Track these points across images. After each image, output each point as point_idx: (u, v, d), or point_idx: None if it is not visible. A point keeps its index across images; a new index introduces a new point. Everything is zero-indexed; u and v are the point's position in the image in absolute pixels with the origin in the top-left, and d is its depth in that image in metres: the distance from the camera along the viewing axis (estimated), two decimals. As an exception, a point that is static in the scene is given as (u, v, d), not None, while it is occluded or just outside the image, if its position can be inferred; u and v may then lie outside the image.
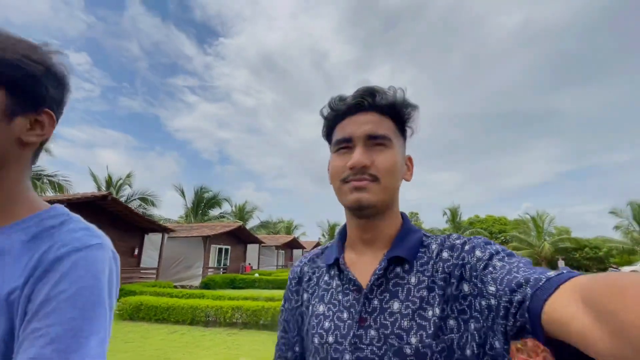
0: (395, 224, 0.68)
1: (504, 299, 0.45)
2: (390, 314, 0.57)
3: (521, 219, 35.87)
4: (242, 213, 34.14)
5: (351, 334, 0.59)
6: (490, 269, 0.51)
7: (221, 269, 19.50)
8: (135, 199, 20.87)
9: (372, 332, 0.57)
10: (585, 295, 0.34)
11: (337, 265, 0.68)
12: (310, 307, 0.69)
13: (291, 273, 0.80)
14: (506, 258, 0.51)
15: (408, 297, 0.58)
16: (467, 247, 0.58)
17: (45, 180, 14.64)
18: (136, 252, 13.95)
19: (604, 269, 29.63)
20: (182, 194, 28.19)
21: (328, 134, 0.71)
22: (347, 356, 0.57)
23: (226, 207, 32.66)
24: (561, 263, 27.86)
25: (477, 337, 0.51)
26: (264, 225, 38.38)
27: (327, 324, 0.63)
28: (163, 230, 14.21)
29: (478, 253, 0.55)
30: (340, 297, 0.64)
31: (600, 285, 0.33)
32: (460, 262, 0.57)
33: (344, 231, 0.74)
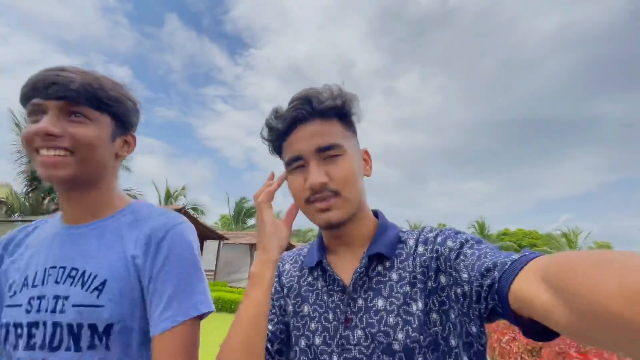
0: (369, 223, 0.68)
1: (475, 284, 0.47)
2: (375, 312, 0.58)
3: (552, 234, 35.50)
4: (276, 222, 36.72)
5: (338, 335, 0.59)
6: (462, 257, 0.53)
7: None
8: (189, 209, 23.88)
9: (359, 332, 0.57)
10: (545, 274, 0.37)
11: (320, 267, 0.68)
12: (291, 307, 0.69)
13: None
14: (475, 245, 0.54)
15: (391, 293, 0.58)
16: (439, 239, 0.59)
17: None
18: (197, 255, 16.60)
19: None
20: (227, 203, 31.21)
21: (276, 151, 0.70)
22: (335, 358, 0.58)
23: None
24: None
25: (457, 325, 0.54)
26: (295, 234, 40.69)
27: (313, 325, 0.63)
28: (219, 237, 16.75)
29: (449, 243, 0.57)
30: (325, 297, 0.65)
31: (556, 264, 0.36)
32: (434, 255, 0.58)
33: (322, 236, 0.73)
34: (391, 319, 0.56)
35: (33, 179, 15.50)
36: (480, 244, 0.54)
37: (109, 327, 0.63)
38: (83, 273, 0.66)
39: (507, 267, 0.44)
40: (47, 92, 0.63)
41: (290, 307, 0.69)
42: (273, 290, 0.74)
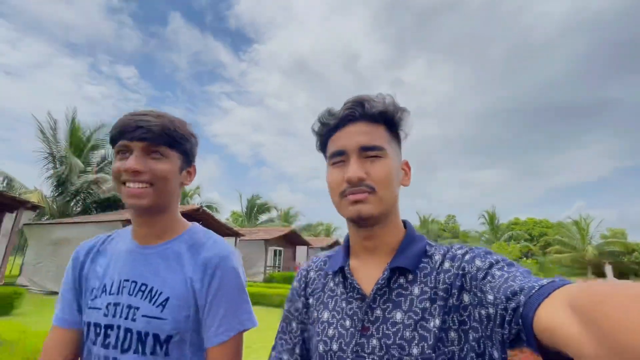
0: (397, 233, 0.69)
1: (500, 307, 0.46)
2: (392, 324, 0.58)
3: (563, 223, 35.43)
4: (287, 217, 37.49)
5: (353, 342, 0.60)
6: (489, 278, 0.51)
7: (277, 268, 22.68)
8: (204, 206, 24.75)
9: (374, 342, 0.58)
10: (573, 303, 0.35)
11: (341, 273, 0.69)
12: (315, 313, 0.70)
13: (298, 275, 0.81)
14: (505, 267, 0.52)
15: (411, 307, 0.58)
16: (467, 257, 0.59)
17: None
18: (215, 252, 17.42)
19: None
20: (240, 200, 32.06)
21: (322, 147, 0.73)
22: None
23: (273, 211, 36.23)
24: (608, 268, 27.63)
25: (476, 347, 0.52)
26: (306, 228, 41.49)
27: (330, 332, 0.64)
28: (235, 234, 17.50)
29: (478, 262, 0.56)
30: (344, 304, 0.65)
31: (586, 294, 0.34)
32: (460, 272, 0.57)
33: (348, 239, 0.74)
34: (407, 333, 0.56)
35: (59, 184, 16.37)
36: (512, 266, 0.53)
37: (169, 338, 0.73)
38: (151, 289, 0.76)
39: (534, 291, 0.42)
40: (132, 134, 0.74)
41: (315, 314, 0.70)
42: (293, 309, 0.77)
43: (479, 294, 0.52)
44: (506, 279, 0.49)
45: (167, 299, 0.75)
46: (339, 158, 0.66)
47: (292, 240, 24.85)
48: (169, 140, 0.78)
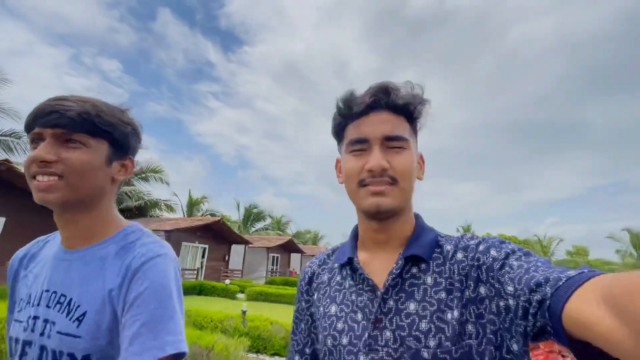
0: (410, 224, 0.67)
1: (522, 298, 0.44)
2: (406, 315, 0.56)
3: (529, 240, 39.34)
4: (279, 225, 40.00)
5: (366, 335, 0.57)
6: (507, 268, 0.50)
7: (276, 273, 25.40)
8: (207, 215, 27.05)
9: (388, 334, 0.56)
10: (607, 295, 0.34)
11: (350, 265, 0.67)
12: (322, 308, 0.68)
13: (302, 274, 0.79)
14: (523, 257, 0.50)
15: (425, 297, 0.57)
16: (481, 248, 0.57)
17: (162, 206, 20.90)
18: (226, 257, 19.91)
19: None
20: (237, 208, 34.48)
21: (338, 131, 0.69)
22: (362, 358, 0.56)
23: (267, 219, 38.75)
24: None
25: (494, 340, 0.51)
26: (295, 235, 43.96)
27: (340, 325, 0.62)
28: (245, 242, 20.10)
29: (493, 253, 0.54)
30: (353, 297, 0.63)
31: (622, 285, 0.33)
32: (475, 264, 0.56)
33: (356, 231, 0.72)
34: (423, 325, 0.54)
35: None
36: (529, 256, 0.51)
37: (85, 358, 0.63)
38: (70, 301, 0.67)
39: (561, 283, 0.40)
40: (45, 120, 0.65)
41: (321, 309, 0.68)
42: (300, 309, 0.75)
43: (496, 285, 0.51)
44: (527, 270, 0.47)
45: (84, 313, 0.65)
46: (359, 146, 0.64)
47: (288, 248, 27.57)
48: (89, 127, 0.68)
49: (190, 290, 13.99)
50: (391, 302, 0.59)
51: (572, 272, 0.41)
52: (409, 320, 0.56)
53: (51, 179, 0.65)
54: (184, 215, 25.78)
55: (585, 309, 0.36)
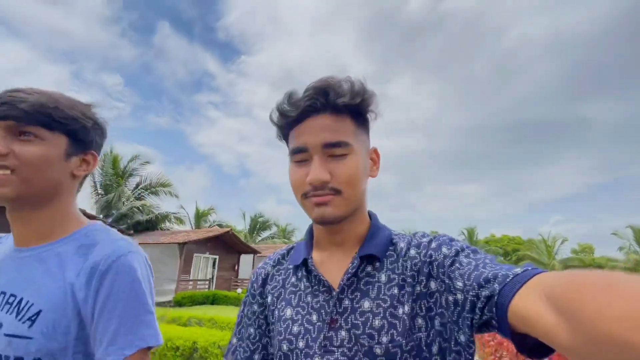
0: (364, 224, 0.67)
1: (471, 293, 0.46)
2: (361, 314, 0.57)
3: (533, 239, 39.51)
4: (284, 233, 40.46)
5: (321, 336, 0.57)
6: (457, 265, 0.52)
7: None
8: (215, 225, 27.54)
9: (343, 333, 0.56)
10: (549, 293, 0.36)
11: (305, 267, 0.66)
12: (277, 311, 0.66)
13: (254, 275, 0.76)
14: (472, 255, 0.53)
15: (379, 295, 0.58)
16: (433, 245, 0.59)
17: (172, 218, 21.40)
18: (236, 267, 20.33)
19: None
20: (244, 217, 35.01)
21: (283, 137, 0.68)
22: None
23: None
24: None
25: (443, 333, 0.53)
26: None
27: (295, 329, 0.61)
28: (254, 252, 20.54)
29: (444, 250, 0.56)
30: (309, 299, 0.63)
31: (562, 283, 0.35)
32: (427, 260, 0.57)
33: (311, 231, 0.71)
34: (377, 322, 0.55)
35: (102, 209, 18.95)
36: (477, 253, 0.54)
37: None
38: (20, 301, 0.63)
39: (508, 280, 0.43)
40: None
41: (276, 313, 0.66)
42: (250, 312, 0.72)
43: (446, 281, 0.53)
44: (476, 266, 0.49)
45: (38, 312, 0.62)
46: (300, 156, 0.61)
47: (295, 256, 27.97)
48: (44, 119, 0.65)
49: (204, 299, 14.39)
50: (347, 302, 0.59)
51: (518, 270, 0.44)
52: (363, 319, 0.56)
53: (2, 173, 0.63)
54: (192, 227, 26.26)
55: (529, 304, 0.38)
